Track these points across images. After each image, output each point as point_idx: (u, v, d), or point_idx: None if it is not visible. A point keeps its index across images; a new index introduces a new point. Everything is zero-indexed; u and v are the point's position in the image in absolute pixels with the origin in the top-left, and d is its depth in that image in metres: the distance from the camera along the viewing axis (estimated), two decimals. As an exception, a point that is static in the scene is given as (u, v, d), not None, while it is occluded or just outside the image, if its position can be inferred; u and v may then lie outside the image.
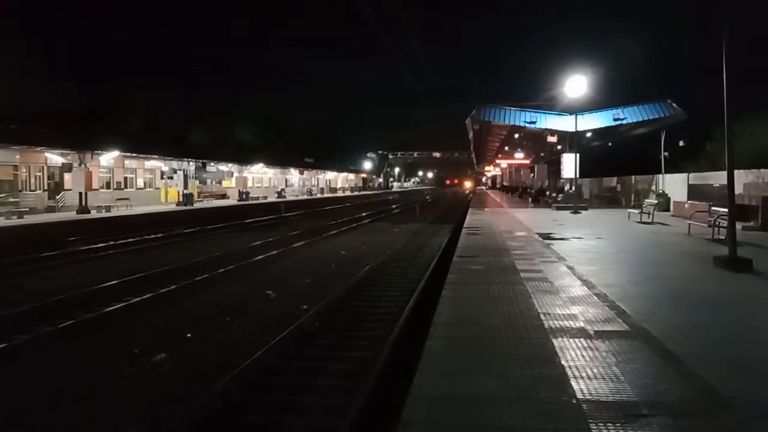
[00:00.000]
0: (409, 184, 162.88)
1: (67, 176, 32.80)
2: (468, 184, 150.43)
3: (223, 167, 51.51)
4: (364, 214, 36.63)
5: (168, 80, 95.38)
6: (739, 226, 12.11)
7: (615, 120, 30.82)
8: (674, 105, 29.54)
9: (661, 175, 29.01)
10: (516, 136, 43.66)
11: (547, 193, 40.00)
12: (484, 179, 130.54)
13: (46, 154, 32.28)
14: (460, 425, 3.89)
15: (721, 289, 8.54)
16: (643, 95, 39.52)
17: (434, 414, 4.06)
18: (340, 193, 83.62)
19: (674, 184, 27.13)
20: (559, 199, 33.04)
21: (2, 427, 5.76)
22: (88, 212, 29.41)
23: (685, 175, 26.57)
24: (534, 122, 32.52)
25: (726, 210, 11.66)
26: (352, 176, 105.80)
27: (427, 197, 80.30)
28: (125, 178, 40.45)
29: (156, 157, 40.79)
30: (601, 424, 3.82)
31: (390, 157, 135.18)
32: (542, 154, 43.63)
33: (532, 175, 49.09)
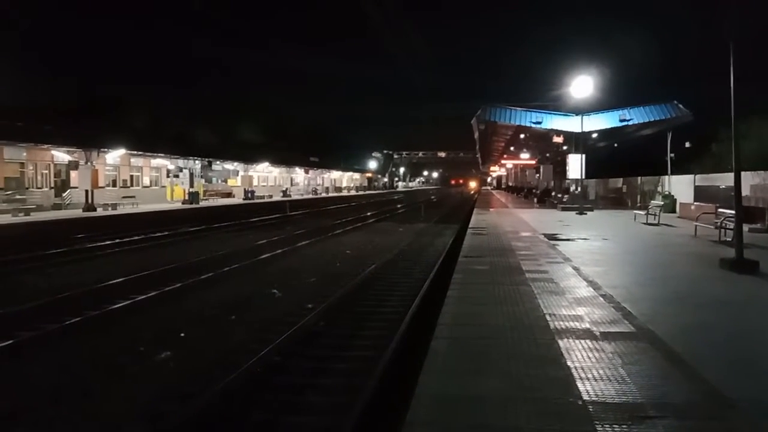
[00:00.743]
0: (414, 184, 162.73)
1: (73, 174, 32.91)
2: (473, 185, 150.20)
3: (229, 166, 51.62)
4: (369, 213, 36.64)
5: (171, 78, 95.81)
6: (745, 228, 12.08)
7: (621, 121, 30.75)
8: (680, 106, 29.43)
9: (667, 177, 28.93)
10: (521, 136, 43.63)
11: (553, 193, 39.93)
12: (489, 179, 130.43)
13: (53, 152, 32.42)
14: (465, 426, 3.89)
15: (727, 290, 8.51)
16: (650, 96, 39.50)
17: (439, 414, 4.06)
18: (345, 193, 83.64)
19: (680, 186, 27.04)
20: (564, 199, 32.99)
21: (7, 424, 5.79)
22: (95, 210, 29.54)
23: (691, 176, 26.47)
24: (540, 123, 32.49)
25: (732, 212, 11.62)
26: (357, 176, 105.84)
27: (432, 197, 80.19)
28: (131, 176, 40.60)
29: (162, 155, 40.90)
30: (607, 425, 3.81)
31: (395, 156, 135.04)
32: (548, 155, 43.54)
33: (538, 175, 48.95)
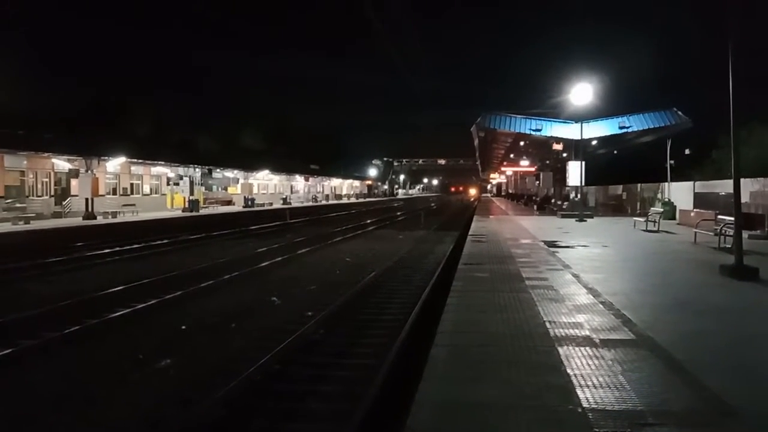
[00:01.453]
0: (414, 191, 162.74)
1: (73, 182, 32.93)
2: (473, 192, 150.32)
3: (229, 174, 51.66)
4: (369, 221, 36.65)
5: (172, 84, 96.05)
6: (745, 234, 12.07)
7: (620, 128, 30.83)
8: (680, 113, 29.50)
9: (666, 183, 28.95)
10: (521, 143, 43.70)
11: (553, 200, 39.98)
12: (489, 186, 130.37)
13: (53, 160, 32.45)
14: (465, 433, 3.88)
15: (727, 297, 8.51)
16: (649, 103, 39.58)
17: (439, 421, 4.06)
18: (345, 200, 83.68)
19: (680, 193, 27.05)
20: (564, 206, 33.01)
21: (8, 430, 5.78)
22: (95, 218, 29.53)
23: (691, 183, 26.51)
24: (539, 130, 32.56)
25: (732, 218, 11.63)
26: (357, 183, 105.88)
27: (432, 204, 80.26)
28: (131, 184, 40.61)
29: (162, 163, 40.94)
30: (606, 432, 3.80)
31: (395, 164, 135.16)
32: (547, 162, 43.61)
33: (538, 182, 49.03)
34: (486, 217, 30.88)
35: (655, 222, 20.40)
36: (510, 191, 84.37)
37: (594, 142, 33.97)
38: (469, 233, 20.26)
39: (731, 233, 12.77)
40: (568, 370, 5.05)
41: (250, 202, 48.67)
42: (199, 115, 66.64)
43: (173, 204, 41.35)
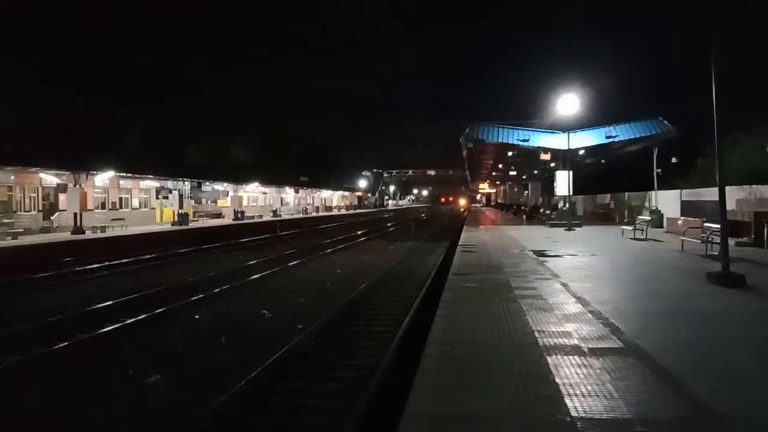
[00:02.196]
0: (404, 202, 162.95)
1: (62, 197, 32.73)
2: (463, 202, 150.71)
3: (219, 186, 51.51)
4: (359, 232, 36.67)
5: (160, 98, 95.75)
6: (732, 241, 12.21)
7: (607, 137, 31.02)
8: (666, 122, 29.76)
9: (654, 192, 29.19)
10: (510, 153, 43.86)
11: (541, 210, 40.20)
12: (478, 197, 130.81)
13: (41, 175, 32.24)
14: (455, 444, 3.90)
15: (714, 304, 8.58)
16: (636, 113, 39.94)
17: (429, 433, 4.07)
18: (335, 212, 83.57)
19: (667, 201, 27.28)
20: (552, 216, 33.21)
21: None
22: (83, 233, 29.33)
23: (677, 191, 26.73)
24: (527, 140, 32.71)
25: (719, 226, 11.75)
26: (347, 194, 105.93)
27: (423, 215, 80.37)
28: (120, 198, 40.37)
29: (151, 176, 40.77)
30: (595, 441, 3.83)
31: (385, 175, 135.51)
32: (536, 172, 43.85)
33: (526, 192, 49.29)
34: (476, 227, 30.98)
35: (642, 230, 20.56)
36: (499, 201, 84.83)
37: (581, 152, 34.16)
38: (459, 243, 20.31)
39: (718, 241, 12.89)
40: (557, 380, 5.08)
41: (240, 215, 48.53)
42: (188, 128, 66.40)
43: (163, 218, 41.16)
